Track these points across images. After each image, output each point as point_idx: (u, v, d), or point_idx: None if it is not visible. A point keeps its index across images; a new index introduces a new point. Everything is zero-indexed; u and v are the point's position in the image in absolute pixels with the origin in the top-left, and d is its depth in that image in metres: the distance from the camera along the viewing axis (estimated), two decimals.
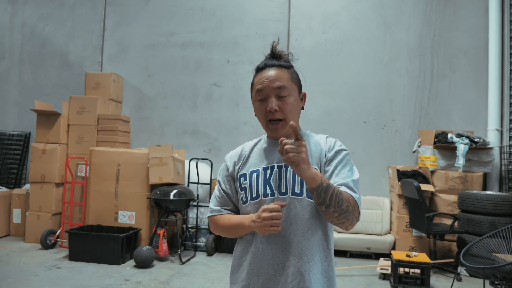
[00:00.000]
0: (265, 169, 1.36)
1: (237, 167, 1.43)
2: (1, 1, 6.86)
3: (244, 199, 1.38)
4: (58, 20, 6.67)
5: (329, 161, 1.34)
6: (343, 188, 1.27)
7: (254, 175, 1.37)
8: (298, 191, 1.31)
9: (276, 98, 1.31)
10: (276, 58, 1.37)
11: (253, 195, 1.35)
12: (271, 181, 1.34)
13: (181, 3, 6.35)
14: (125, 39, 6.46)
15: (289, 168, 1.32)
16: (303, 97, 1.40)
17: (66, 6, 6.66)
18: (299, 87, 1.38)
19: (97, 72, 6.22)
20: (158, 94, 6.34)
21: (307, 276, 1.28)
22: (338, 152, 1.35)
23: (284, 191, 1.31)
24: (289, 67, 1.37)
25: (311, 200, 1.30)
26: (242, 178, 1.40)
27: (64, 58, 6.61)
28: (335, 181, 1.29)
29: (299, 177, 1.30)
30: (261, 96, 1.33)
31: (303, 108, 1.39)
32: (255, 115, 1.41)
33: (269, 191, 1.33)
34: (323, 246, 1.33)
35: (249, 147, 1.46)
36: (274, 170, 1.35)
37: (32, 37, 6.73)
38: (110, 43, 6.50)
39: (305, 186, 1.30)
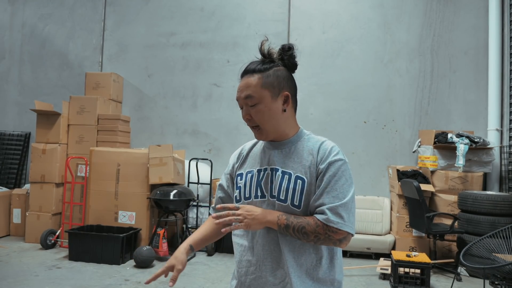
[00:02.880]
0: (259, 170, 1.36)
1: (236, 166, 1.46)
2: (1, 1, 6.86)
3: (238, 198, 1.39)
4: (58, 20, 6.67)
5: (321, 174, 1.27)
6: (324, 216, 1.22)
7: (249, 175, 1.38)
8: (283, 198, 1.29)
9: (248, 107, 1.31)
10: (265, 57, 1.35)
11: (246, 195, 1.36)
12: (262, 183, 1.34)
13: (181, 3, 6.35)
14: (125, 39, 6.46)
15: (278, 173, 1.31)
16: (286, 98, 1.32)
17: (66, 6, 6.66)
18: (275, 89, 1.30)
19: (97, 72, 6.22)
20: (158, 94, 6.34)
21: (294, 279, 1.27)
22: (331, 164, 1.27)
23: (274, 194, 1.31)
24: (265, 69, 1.31)
25: (296, 209, 1.28)
26: (239, 178, 1.41)
27: (64, 58, 6.61)
28: (323, 201, 1.24)
29: (285, 183, 1.29)
30: (239, 105, 1.35)
31: (285, 110, 1.31)
32: None
33: (259, 193, 1.33)
34: (315, 250, 1.30)
35: (248, 147, 1.47)
36: (266, 172, 1.34)
37: (32, 37, 6.73)
38: (110, 43, 6.50)
39: (289, 193, 1.29)
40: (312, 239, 1.22)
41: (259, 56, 1.40)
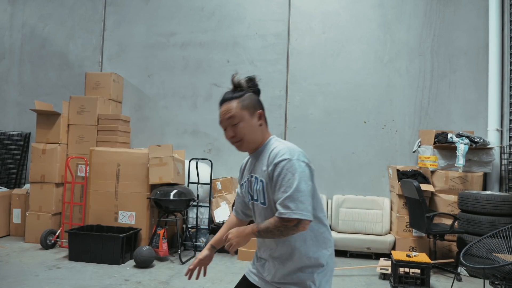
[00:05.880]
0: (248, 179, 1.70)
1: (239, 178, 1.81)
2: (1, 1, 6.86)
3: (246, 201, 1.77)
4: (58, 20, 6.67)
5: (272, 175, 1.52)
6: (277, 211, 1.47)
7: (245, 184, 1.73)
8: (256, 198, 1.64)
9: (231, 127, 1.60)
10: (237, 87, 1.64)
11: (247, 200, 1.75)
12: (249, 189, 1.70)
13: (181, 3, 6.35)
14: (125, 39, 6.46)
15: (253, 178, 1.64)
16: (260, 115, 1.63)
17: (66, 6, 6.66)
18: (251, 109, 1.61)
19: (97, 72, 6.22)
20: (158, 94, 6.34)
21: (278, 261, 1.62)
22: (277, 165, 1.50)
23: (254, 196, 1.66)
24: (240, 95, 1.61)
25: (263, 205, 1.60)
26: (242, 187, 1.77)
27: (64, 58, 6.61)
28: (276, 199, 1.49)
29: (256, 186, 1.62)
30: (222, 127, 1.66)
31: (260, 125, 1.63)
32: None
33: (249, 197, 1.70)
34: (297, 238, 1.56)
35: (245, 161, 1.79)
36: (250, 180, 1.68)
37: (32, 37, 6.73)
38: (110, 43, 6.50)
39: (260, 194, 1.60)
40: (277, 233, 1.48)
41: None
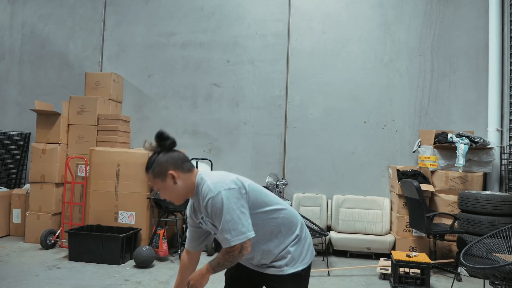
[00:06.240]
0: (202, 217, 1.78)
1: (191, 214, 1.89)
2: (1, 1, 6.86)
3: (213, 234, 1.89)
4: (58, 20, 6.67)
5: (208, 215, 1.67)
6: (221, 242, 1.65)
7: (202, 222, 1.81)
8: (212, 232, 1.76)
9: (158, 191, 1.76)
10: (152, 151, 1.76)
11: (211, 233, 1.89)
12: (206, 227, 1.79)
13: (181, 3, 6.35)
14: (125, 39, 6.46)
15: (204, 218, 1.74)
16: (172, 176, 1.70)
17: (66, 6, 6.66)
18: (162, 175, 1.70)
19: (97, 72, 6.22)
20: (158, 94, 6.34)
21: (262, 258, 1.79)
22: (206, 207, 1.65)
23: (213, 233, 1.76)
24: (151, 164, 1.71)
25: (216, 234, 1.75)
26: (200, 224, 1.86)
27: (64, 58, 6.61)
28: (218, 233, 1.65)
29: (209, 225, 1.73)
30: None
31: (175, 183, 1.71)
32: None
33: (210, 232, 1.89)
34: (263, 234, 1.74)
35: (191, 201, 1.88)
36: (205, 219, 1.76)
37: (32, 37, 6.73)
38: (110, 43, 6.50)
39: (212, 228, 1.73)
40: (228, 263, 1.65)
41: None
